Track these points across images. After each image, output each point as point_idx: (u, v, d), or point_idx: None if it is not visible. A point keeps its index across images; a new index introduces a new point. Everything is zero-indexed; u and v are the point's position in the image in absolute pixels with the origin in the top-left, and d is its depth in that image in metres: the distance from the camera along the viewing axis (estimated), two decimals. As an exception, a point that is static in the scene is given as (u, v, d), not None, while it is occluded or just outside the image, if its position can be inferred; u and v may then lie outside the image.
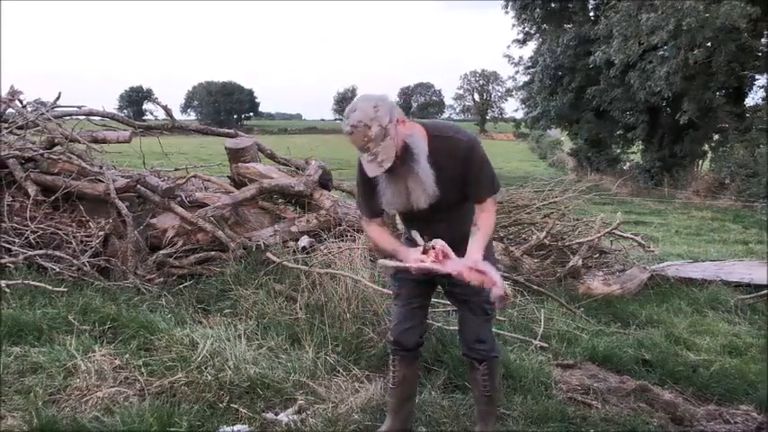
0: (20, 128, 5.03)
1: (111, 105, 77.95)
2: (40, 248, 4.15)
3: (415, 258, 2.18)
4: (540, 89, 21.94)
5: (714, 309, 4.68)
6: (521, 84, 25.20)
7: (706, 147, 18.27)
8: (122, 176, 4.77)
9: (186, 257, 4.58)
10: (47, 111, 5.26)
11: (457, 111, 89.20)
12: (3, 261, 3.98)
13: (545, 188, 6.04)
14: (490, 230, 2.29)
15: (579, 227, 5.72)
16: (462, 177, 2.21)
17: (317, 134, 62.81)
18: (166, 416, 2.51)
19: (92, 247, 4.23)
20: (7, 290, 3.64)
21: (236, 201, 4.86)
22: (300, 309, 3.62)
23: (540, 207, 5.70)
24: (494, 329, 2.50)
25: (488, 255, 2.39)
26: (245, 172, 5.30)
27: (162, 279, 4.31)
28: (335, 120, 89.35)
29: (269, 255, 4.33)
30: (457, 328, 2.61)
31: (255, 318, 3.64)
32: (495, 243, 4.76)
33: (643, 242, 5.75)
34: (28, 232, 4.22)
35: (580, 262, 5.20)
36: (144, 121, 6.78)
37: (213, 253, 4.64)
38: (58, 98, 5.57)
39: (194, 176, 5.33)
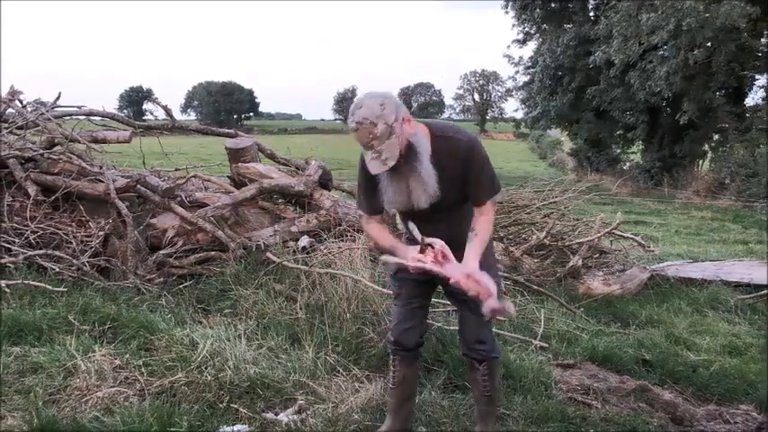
0: (20, 128, 5.03)
1: (111, 105, 78.06)
2: (40, 248, 4.15)
3: (413, 257, 2.18)
4: (540, 89, 21.95)
5: (714, 309, 4.68)
6: (521, 84, 25.23)
7: (706, 147, 18.28)
8: (122, 176, 4.77)
9: (186, 257, 4.58)
10: (47, 111, 5.26)
11: (457, 111, 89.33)
12: (3, 261, 3.98)
13: (545, 188, 6.04)
14: (488, 236, 2.28)
15: (579, 227, 5.72)
16: (463, 178, 2.21)
17: (317, 134, 62.88)
18: (166, 416, 2.51)
19: (92, 247, 4.23)
20: (7, 290, 3.64)
21: (236, 201, 4.86)
22: (300, 309, 3.62)
23: (540, 207, 5.70)
24: (494, 329, 2.49)
25: (489, 255, 2.40)
26: (245, 172, 5.30)
27: (162, 279, 4.31)
28: (335, 120, 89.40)
29: (269, 255, 4.33)
30: (457, 328, 2.61)
31: (255, 318, 3.64)
32: (495, 243, 4.76)
33: (643, 242, 5.76)
34: (28, 232, 4.22)
35: (580, 262, 5.20)
36: (144, 121, 6.78)
37: (213, 253, 4.64)
38: (58, 98, 5.58)
39: (194, 176, 5.34)
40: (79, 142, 5.03)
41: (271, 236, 4.77)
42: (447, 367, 3.15)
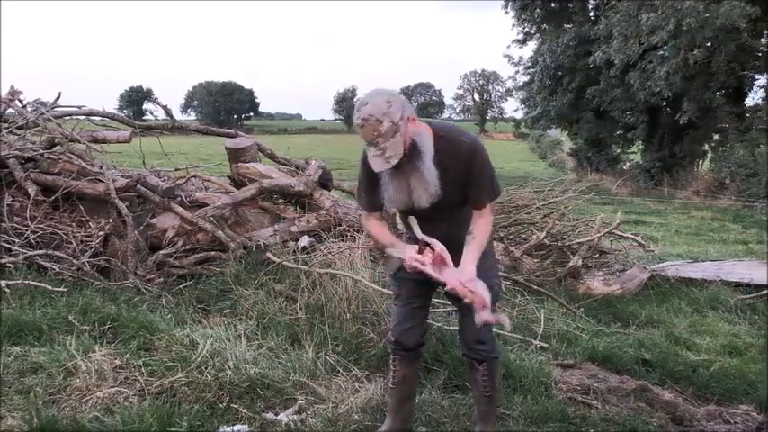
0: (20, 128, 5.03)
1: (111, 105, 78.06)
2: (40, 248, 4.15)
3: (410, 256, 2.18)
4: (540, 89, 21.96)
5: (714, 309, 4.68)
6: (521, 84, 25.26)
7: (706, 147, 18.30)
8: (122, 176, 4.77)
9: (186, 257, 4.58)
10: (47, 111, 5.26)
11: (457, 111, 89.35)
12: (3, 261, 3.98)
13: (545, 188, 6.03)
14: (485, 239, 2.28)
15: (579, 227, 5.72)
16: (464, 179, 2.21)
17: (317, 134, 62.95)
18: (166, 416, 2.51)
19: (92, 247, 4.23)
20: (7, 290, 3.64)
21: (236, 201, 4.86)
22: (300, 309, 3.62)
23: (540, 207, 5.70)
24: (494, 330, 2.49)
25: (488, 256, 2.40)
26: (245, 172, 5.30)
27: (162, 279, 4.31)
28: (335, 120, 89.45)
29: (269, 255, 4.33)
30: (457, 328, 2.61)
31: (255, 318, 3.64)
32: (495, 243, 4.76)
33: (643, 242, 5.76)
34: (28, 232, 4.22)
35: (580, 262, 5.20)
36: (144, 121, 6.78)
37: (213, 253, 4.64)
38: (58, 98, 5.57)
39: (194, 176, 5.33)
40: (79, 142, 5.02)
41: (271, 236, 4.77)
42: (447, 367, 3.15)
